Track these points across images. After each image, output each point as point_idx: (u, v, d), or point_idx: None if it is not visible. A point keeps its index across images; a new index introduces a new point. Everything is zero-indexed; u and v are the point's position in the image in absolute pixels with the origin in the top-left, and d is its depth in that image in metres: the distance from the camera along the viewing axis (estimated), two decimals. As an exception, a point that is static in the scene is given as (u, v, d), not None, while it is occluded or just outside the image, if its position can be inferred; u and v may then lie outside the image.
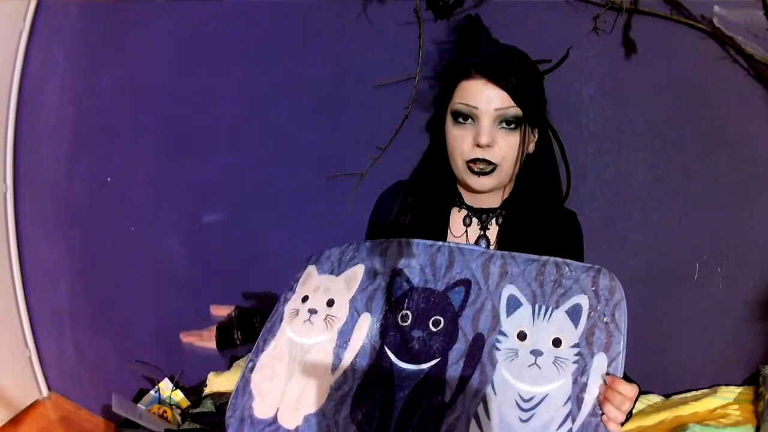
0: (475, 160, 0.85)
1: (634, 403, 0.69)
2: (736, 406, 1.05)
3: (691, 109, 1.06)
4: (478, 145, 0.83)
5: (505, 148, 0.84)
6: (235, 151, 1.52)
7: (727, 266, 1.08)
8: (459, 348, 0.74)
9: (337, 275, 0.86)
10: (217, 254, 1.61)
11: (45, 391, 2.02)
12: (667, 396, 1.14)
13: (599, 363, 0.69)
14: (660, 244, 1.12)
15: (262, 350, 0.84)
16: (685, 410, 1.06)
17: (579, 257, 0.97)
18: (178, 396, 1.55)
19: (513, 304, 0.75)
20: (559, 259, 0.77)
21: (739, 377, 1.10)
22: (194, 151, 1.58)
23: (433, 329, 0.76)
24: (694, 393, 1.12)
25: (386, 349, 0.77)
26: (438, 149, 0.94)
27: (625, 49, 1.07)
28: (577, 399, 0.68)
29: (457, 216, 0.95)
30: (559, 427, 0.67)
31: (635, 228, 1.13)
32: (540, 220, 0.90)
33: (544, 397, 0.68)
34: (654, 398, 1.13)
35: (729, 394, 1.07)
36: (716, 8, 0.96)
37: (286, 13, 1.38)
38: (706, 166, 1.07)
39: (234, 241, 1.58)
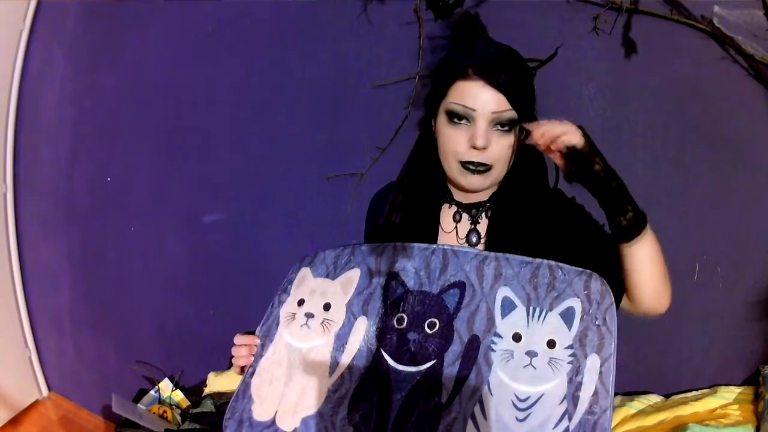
0: (470, 162, 0.85)
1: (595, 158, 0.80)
2: (736, 406, 1.05)
3: (691, 109, 1.06)
4: (474, 147, 0.83)
5: (499, 150, 0.84)
6: (235, 151, 1.52)
7: (727, 266, 1.08)
8: (455, 350, 0.75)
9: (333, 279, 0.86)
10: (216, 254, 1.61)
11: (45, 391, 2.02)
12: (667, 396, 1.14)
13: (593, 363, 0.70)
14: (660, 243, 1.12)
15: (261, 355, 0.84)
16: (685, 410, 1.06)
17: (589, 232, 0.92)
18: (178, 396, 1.55)
19: (508, 306, 0.76)
20: (553, 263, 0.77)
21: (739, 377, 1.10)
22: (194, 151, 1.58)
23: (429, 331, 0.76)
24: (694, 393, 1.12)
25: (383, 351, 0.77)
26: (426, 146, 0.93)
27: (625, 49, 1.07)
28: (573, 397, 0.68)
29: (447, 212, 0.95)
30: (556, 426, 0.67)
31: (635, 228, 1.13)
32: (528, 209, 0.89)
33: (539, 397, 0.69)
34: (654, 398, 1.13)
35: (729, 394, 1.07)
36: (716, 8, 0.96)
37: (286, 13, 1.38)
38: (706, 166, 1.07)
39: (234, 241, 1.58)
